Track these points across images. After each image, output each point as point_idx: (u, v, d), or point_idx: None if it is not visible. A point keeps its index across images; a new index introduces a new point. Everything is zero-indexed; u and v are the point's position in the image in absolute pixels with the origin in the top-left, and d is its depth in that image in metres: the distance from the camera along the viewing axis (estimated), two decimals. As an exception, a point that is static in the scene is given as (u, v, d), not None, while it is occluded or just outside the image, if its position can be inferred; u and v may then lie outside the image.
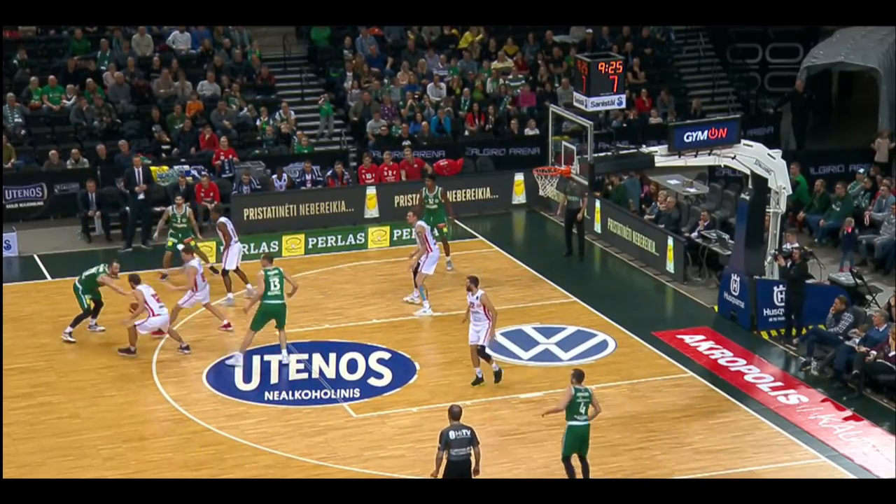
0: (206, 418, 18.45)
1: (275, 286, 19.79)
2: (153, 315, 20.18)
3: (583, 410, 16.19)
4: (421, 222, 22.57)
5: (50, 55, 29.83)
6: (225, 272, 22.71)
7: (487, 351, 19.23)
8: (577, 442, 16.23)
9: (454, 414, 15.40)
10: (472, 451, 15.24)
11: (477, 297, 18.97)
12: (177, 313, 20.96)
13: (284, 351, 20.11)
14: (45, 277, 24.23)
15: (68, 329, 20.87)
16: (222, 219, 23.21)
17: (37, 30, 30.27)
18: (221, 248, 23.17)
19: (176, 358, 20.42)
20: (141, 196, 25.89)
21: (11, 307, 21.80)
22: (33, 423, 18.29)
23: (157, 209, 26.57)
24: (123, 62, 29.83)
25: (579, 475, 16.23)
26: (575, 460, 16.29)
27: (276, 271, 19.93)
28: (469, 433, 15.27)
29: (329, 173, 27.92)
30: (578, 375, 16.37)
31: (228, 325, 21.27)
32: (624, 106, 23.42)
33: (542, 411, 16.94)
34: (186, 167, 27.46)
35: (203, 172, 27.41)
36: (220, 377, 19.80)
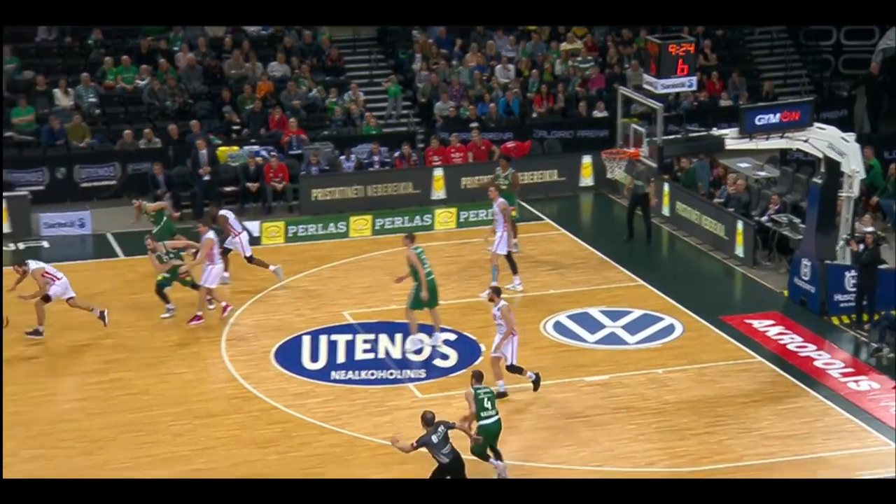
0: (273, 396, 18.55)
1: (425, 265, 19.64)
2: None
3: (488, 405, 15.89)
4: (503, 199, 22.41)
5: (124, 36, 30.10)
6: (250, 259, 22.39)
7: (515, 364, 18.38)
8: (490, 438, 15.92)
9: (427, 421, 15.12)
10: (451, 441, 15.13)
11: (498, 309, 18.21)
12: (206, 294, 20.87)
13: (437, 332, 19.97)
14: (118, 255, 24.51)
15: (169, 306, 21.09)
16: (223, 211, 22.81)
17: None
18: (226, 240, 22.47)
19: (245, 336, 20.55)
20: (206, 178, 26.07)
21: (84, 284, 22.05)
22: (106, 398, 18.52)
23: (229, 189, 26.87)
24: (195, 43, 30.03)
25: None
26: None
27: (420, 250, 19.73)
28: (444, 429, 15.11)
29: (396, 154, 27.92)
30: (478, 376, 16.15)
31: (227, 307, 21.12)
32: (695, 88, 23.12)
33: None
34: (256, 147, 27.61)
35: (272, 153, 27.54)
36: (288, 356, 19.90)
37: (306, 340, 20.35)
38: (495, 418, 15.96)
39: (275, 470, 16.34)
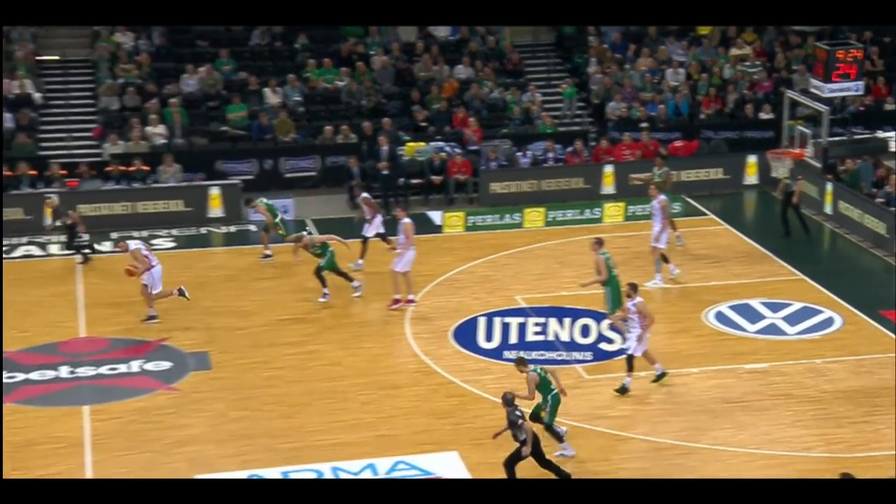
0: (451, 372, 18.72)
1: (612, 270, 19.18)
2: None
3: (550, 381, 15.90)
4: (663, 196, 22.08)
5: (327, 41, 30.80)
6: (364, 239, 22.50)
7: (634, 355, 17.83)
8: (556, 409, 15.89)
9: (508, 401, 14.96)
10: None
11: (634, 304, 17.73)
12: (401, 278, 20.81)
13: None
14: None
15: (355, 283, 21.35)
16: (365, 194, 23.01)
17: (317, 16, 31.25)
18: (366, 220, 22.72)
19: (427, 317, 20.79)
20: (385, 172, 26.50)
21: (285, 266, 22.70)
22: (302, 368, 18.97)
23: (415, 181, 27.24)
24: (389, 48, 30.51)
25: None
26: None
27: (608, 255, 19.33)
28: (521, 410, 15.06)
29: (569, 150, 27.83)
30: (523, 361, 16.09)
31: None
32: (861, 92, 22.28)
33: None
34: (441, 144, 27.92)
35: (456, 149, 27.79)
36: (465, 335, 20.04)
37: (482, 322, 20.47)
38: (556, 391, 15.93)
39: (450, 439, 16.51)
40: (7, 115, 27.30)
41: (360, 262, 22.58)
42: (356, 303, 21.35)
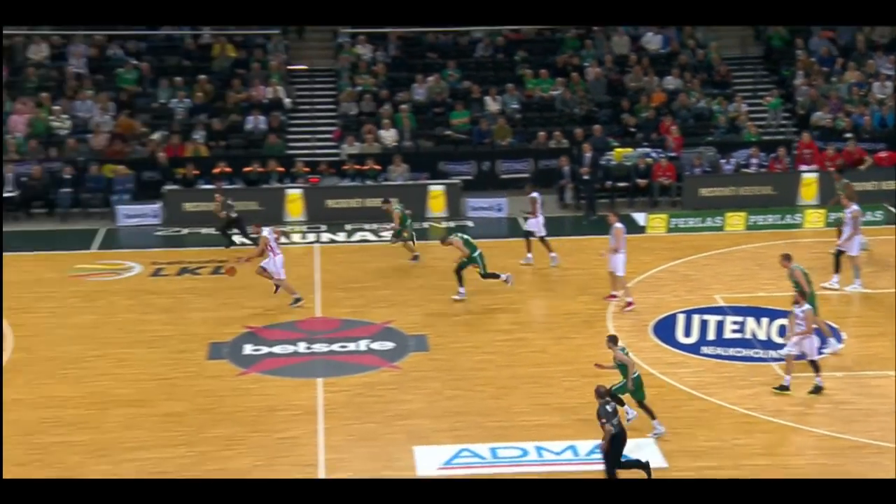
0: (650, 363, 18.50)
1: (811, 284, 18.46)
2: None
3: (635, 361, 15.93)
4: (856, 207, 21.15)
5: (544, 52, 30.93)
6: (528, 235, 22.36)
7: (816, 361, 17.13)
8: (641, 388, 15.85)
9: (601, 393, 14.57)
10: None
11: (802, 311, 16.91)
12: (618, 280, 20.59)
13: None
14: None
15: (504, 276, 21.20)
16: (534, 194, 22.55)
17: (536, 30, 31.48)
18: (530, 216, 22.37)
19: (628, 311, 20.62)
20: (586, 177, 26.34)
21: (498, 259, 22.88)
22: (511, 353, 19.11)
23: (621, 185, 27.03)
24: (603, 59, 30.36)
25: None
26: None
27: (803, 269, 18.57)
28: (614, 402, 14.72)
29: (772, 156, 27.02)
30: (614, 339, 16.00)
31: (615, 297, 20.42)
32: None
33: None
34: (648, 150, 27.61)
35: (661, 154, 27.44)
36: (664, 330, 19.78)
37: (681, 318, 20.15)
38: (638, 373, 15.91)
39: (648, 426, 16.27)
40: (260, 118, 28.73)
41: (529, 256, 22.59)
42: (562, 297, 21.39)
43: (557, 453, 15.66)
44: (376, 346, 19.33)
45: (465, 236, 21.14)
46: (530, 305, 21.13)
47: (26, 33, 29.94)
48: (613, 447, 14.34)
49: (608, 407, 14.47)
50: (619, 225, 20.63)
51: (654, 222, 25.10)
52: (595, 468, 14.83)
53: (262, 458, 15.53)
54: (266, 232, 20.75)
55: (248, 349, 19.11)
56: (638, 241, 23.76)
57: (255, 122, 28.61)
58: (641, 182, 26.99)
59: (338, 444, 15.92)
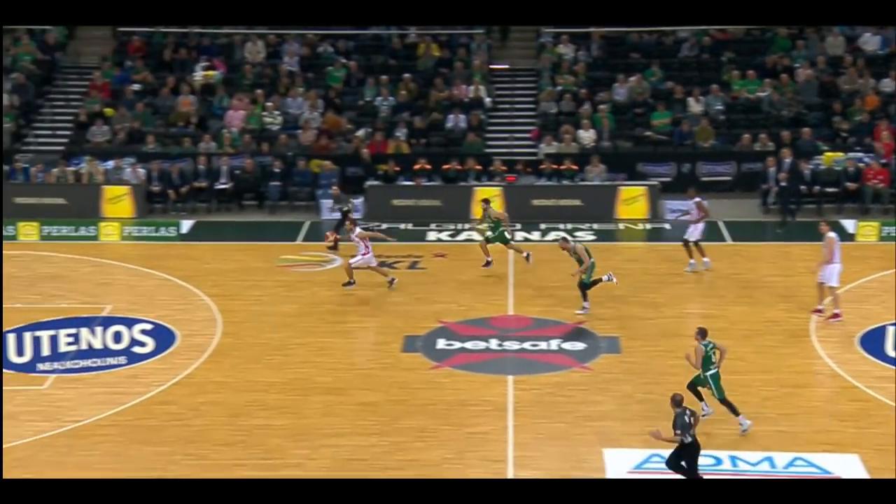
0: (855, 376, 17.62)
1: None
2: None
3: (714, 359, 15.76)
4: None
5: (752, 53, 29.98)
6: (686, 242, 21.65)
7: None
8: (719, 386, 15.73)
9: (677, 402, 14.15)
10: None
11: None
12: (828, 291, 19.76)
13: None
14: (725, 240, 24.55)
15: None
16: (697, 198, 21.90)
17: (745, 30, 30.58)
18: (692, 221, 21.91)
19: (832, 323, 19.71)
20: (783, 183, 25.30)
21: (680, 263, 22.36)
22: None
23: (830, 189, 25.85)
24: (815, 60, 29.15)
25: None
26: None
27: None
28: (691, 412, 14.21)
29: None
30: (703, 332, 15.83)
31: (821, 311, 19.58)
32: None
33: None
34: (860, 154, 26.38)
35: (874, 159, 26.12)
36: (873, 342, 18.78)
37: (891, 330, 19.08)
38: (716, 370, 15.79)
39: (852, 441, 15.53)
40: (461, 117, 29.09)
41: (707, 260, 22.02)
42: (762, 304, 20.65)
43: (753, 464, 15.14)
44: (567, 346, 19.24)
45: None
46: (728, 312, 20.51)
47: (245, 32, 31.39)
48: (688, 456, 14.12)
49: (686, 418, 14.12)
50: (831, 234, 19.82)
51: (864, 230, 23.90)
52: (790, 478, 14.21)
53: (453, 451, 15.69)
54: (358, 230, 21.25)
55: (441, 343, 19.36)
56: (847, 250, 22.48)
57: (456, 120, 29.00)
58: (851, 186, 25.74)
59: (526, 442, 15.90)
